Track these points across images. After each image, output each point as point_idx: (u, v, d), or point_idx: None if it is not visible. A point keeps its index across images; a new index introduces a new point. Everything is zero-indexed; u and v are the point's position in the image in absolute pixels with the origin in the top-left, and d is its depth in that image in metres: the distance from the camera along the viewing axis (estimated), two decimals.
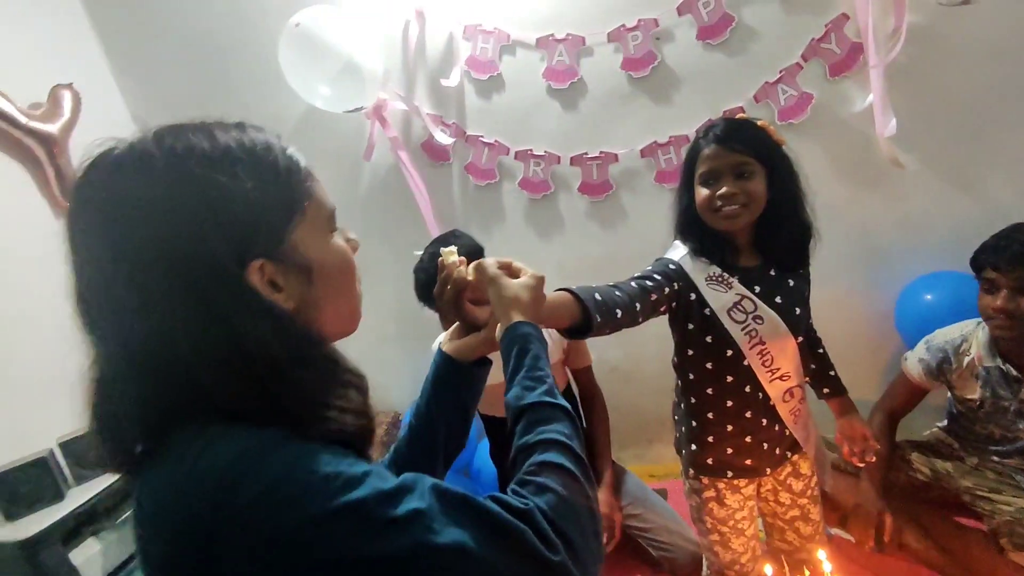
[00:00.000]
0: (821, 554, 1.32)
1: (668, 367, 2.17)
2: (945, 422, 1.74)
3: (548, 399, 0.66)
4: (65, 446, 1.69)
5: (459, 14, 1.97)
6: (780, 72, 1.82)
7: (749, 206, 1.14)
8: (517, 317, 0.75)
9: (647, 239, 2.05)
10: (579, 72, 1.96)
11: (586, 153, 2.02)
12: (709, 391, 1.26)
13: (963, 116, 1.75)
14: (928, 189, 1.83)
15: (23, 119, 1.81)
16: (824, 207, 1.60)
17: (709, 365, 1.24)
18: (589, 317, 0.95)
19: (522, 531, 0.49)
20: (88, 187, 0.51)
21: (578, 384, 1.84)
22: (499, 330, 0.76)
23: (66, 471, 1.68)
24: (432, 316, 1.68)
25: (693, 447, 1.31)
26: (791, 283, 1.25)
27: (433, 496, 0.48)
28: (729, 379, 1.24)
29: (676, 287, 1.20)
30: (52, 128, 1.87)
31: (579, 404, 1.85)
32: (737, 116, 1.24)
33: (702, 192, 1.16)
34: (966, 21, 1.61)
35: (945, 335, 1.59)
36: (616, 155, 2.00)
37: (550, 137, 2.04)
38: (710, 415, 1.27)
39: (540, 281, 0.80)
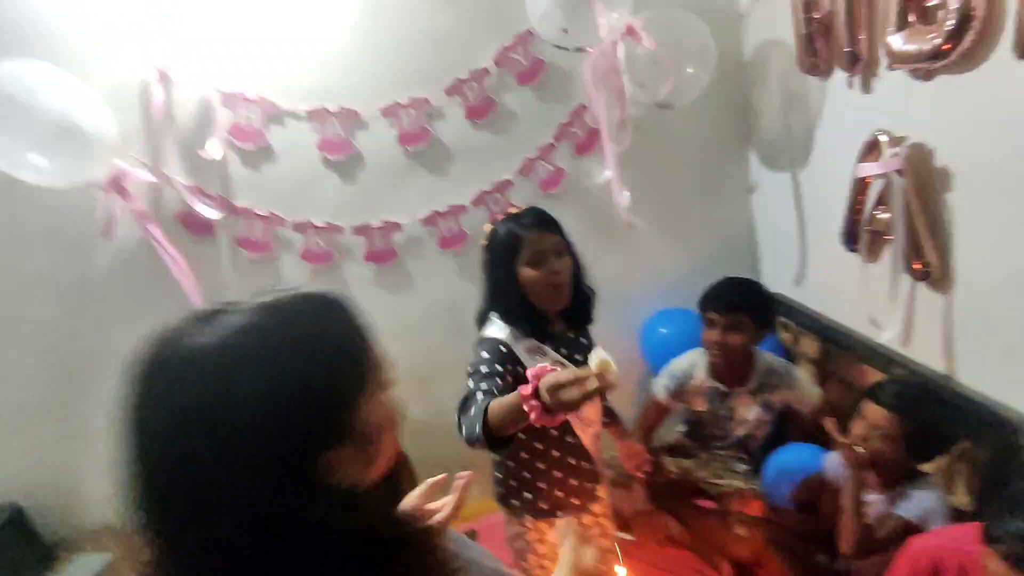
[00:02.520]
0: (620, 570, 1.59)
1: None
2: (683, 427, 2.21)
3: None
4: None
5: (213, 79, 1.79)
6: (538, 150, 2.07)
7: (570, 280, 1.32)
8: None
9: (434, 301, 2.16)
10: (355, 145, 1.95)
11: (370, 223, 2.02)
12: (539, 445, 1.43)
13: (675, 191, 2.23)
14: (654, 245, 2.28)
15: None
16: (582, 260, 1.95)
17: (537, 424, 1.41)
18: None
19: None
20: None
21: None
22: None
23: None
24: None
25: (527, 495, 1.47)
26: (583, 341, 1.48)
27: None
28: (554, 433, 1.42)
29: (510, 367, 1.32)
30: None
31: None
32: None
33: (532, 273, 1.30)
34: (671, 120, 2.05)
35: (679, 364, 2.01)
36: (399, 224, 2.05)
37: (331, 207, 2.00)
38: (541, 466, 1.44)
39: None
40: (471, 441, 1.12)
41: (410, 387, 2.25)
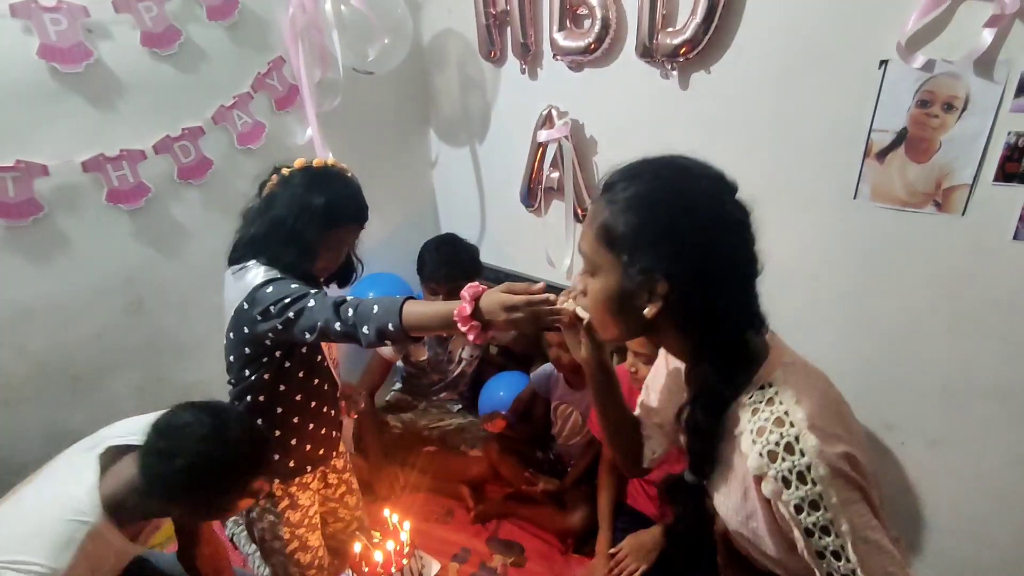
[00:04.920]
0: (388, 512, 1.61)
1: None
2: (398, 384, 2.30)
3: None
4: None
5: None
6: (234, 98, 1.86)
7: None
8: None
9: (104, 269, 1.73)
10: None
11: None
12: (298, 397, 1.39)
13: (370, 159, 2.28)
14: None
15: None
16: None
17: (302, 373, 1.38)
18: None
19: None
20: None
21: None
22: None
23: None
24: None
25: (276, 456, 1.38)
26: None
27: None
28: (316, 381, 1.42)
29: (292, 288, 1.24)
30: None
31: None
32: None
33: (331, 255, 1.34)
34: (372, 85, 2.12)
35: None
36: (45, 167, 1.53)
37: None
38: (296, 419, 1.40)
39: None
40: (383, 335, 1.06)
41: (71, 390, 1.82)
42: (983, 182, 1.32)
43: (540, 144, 2.02)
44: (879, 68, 1.37)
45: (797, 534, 0.72)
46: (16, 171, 1.49)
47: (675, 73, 1.69)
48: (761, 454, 0.71)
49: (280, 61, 1.95)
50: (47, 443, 1.67)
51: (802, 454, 0.69)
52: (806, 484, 0.69)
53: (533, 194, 2.14)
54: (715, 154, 1.64)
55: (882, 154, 1.43)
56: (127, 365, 1.80)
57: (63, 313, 1.65)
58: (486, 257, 2.48)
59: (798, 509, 0.70)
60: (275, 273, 1.24)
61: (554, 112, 1.96)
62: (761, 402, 0.75)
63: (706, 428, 0.79)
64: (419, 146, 2.52)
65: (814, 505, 0.69)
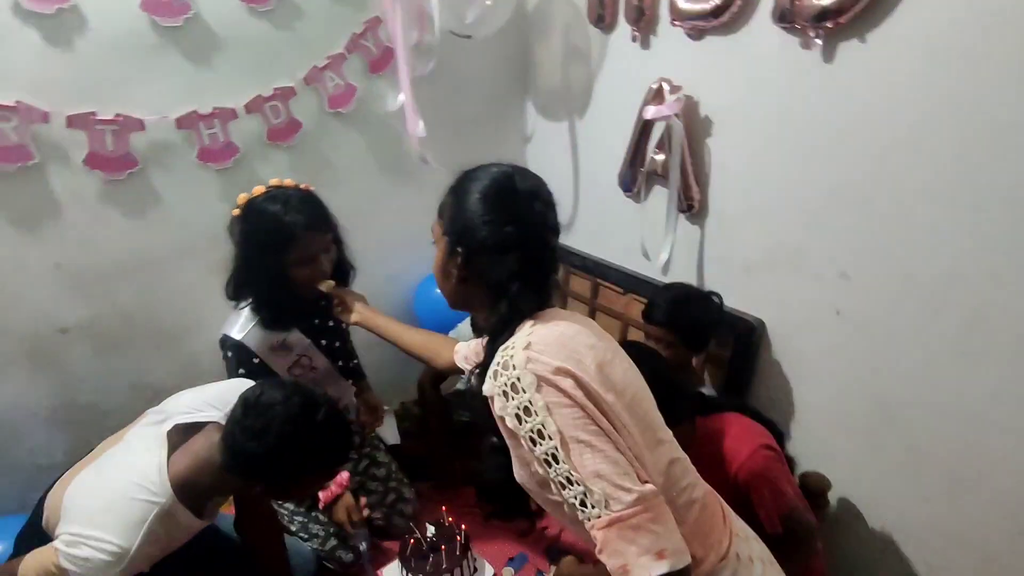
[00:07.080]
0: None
1: None
2: (464, 377, 2.21)
3: None
4: None
5: None
6: (327, 59, 1.80)
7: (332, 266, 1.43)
8: None
9: (192, 227, 1.73)
10: None
11: (95, 113, 1.48)
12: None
13: (460, 132, 2.17)
14: (440, 186, 2.18)
15: None
16: (367, 194, 1.92)
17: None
18: None
19: None
20: None
21: None
22: None
23: None
24: None
25: None
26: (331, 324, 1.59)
27: None
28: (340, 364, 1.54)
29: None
30: None
31: None
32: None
33: (301, 271, 1.36)
34: (469, 50, 2.00)
35: (467, 329, 1.96)
36: (142, 121, 1.54)
37: (27, 82, 1.40)
38: None
39: None
40: None
41: (155, 344, 1.83)
42: None
43: (646, 122, 1.81)
44: None
45: (525, 447, 0.79)
46: (116, 124, 1.51)
47: (819, 42, 1.41)
48: (490, 376, 0.82)
49: (376, 21, 1.86)
50: (132, 392, 1.75)
51: (513, 368, 0.79)
52: (518, 394, 0.78)
53: (633, 178, 1.94)
54: (864, 143, 1.34)
55: None
56: (206, 324, 1.81)
57: (152, 269, 1.68)
58: (575, 243, 2.32)
59: (518, 419, 0.78)
60: (240, 336, 1.41)
61: (666, 86, 1.74)
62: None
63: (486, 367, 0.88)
64: (514, 118, 2.37)
65: (527, 411, 0.78)
